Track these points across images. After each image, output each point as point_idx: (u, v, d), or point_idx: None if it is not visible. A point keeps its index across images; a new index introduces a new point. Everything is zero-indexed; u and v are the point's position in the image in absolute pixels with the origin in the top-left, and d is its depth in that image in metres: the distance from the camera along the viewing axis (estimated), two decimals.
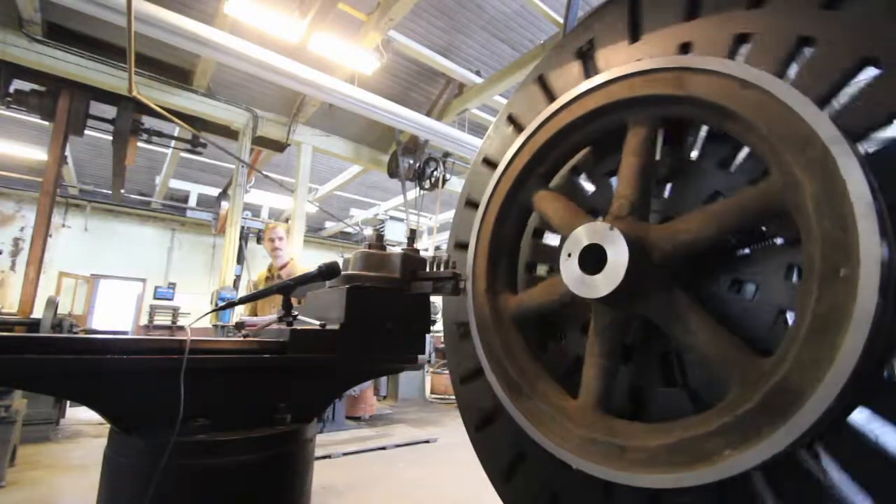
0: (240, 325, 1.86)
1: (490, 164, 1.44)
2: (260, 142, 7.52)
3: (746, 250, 0.97)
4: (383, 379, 8.96)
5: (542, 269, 1.36)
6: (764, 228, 0.94)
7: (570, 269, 1.00)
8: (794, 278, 0.88)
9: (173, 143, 7.72)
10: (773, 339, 0.86)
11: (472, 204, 1.45)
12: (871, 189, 0.70)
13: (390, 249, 1.61)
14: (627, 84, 1.03)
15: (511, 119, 1.42)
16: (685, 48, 1.02)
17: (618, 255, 0.91)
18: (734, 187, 0.97)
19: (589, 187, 1.27)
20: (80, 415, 6.43)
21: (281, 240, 3.80)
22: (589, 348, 1.02)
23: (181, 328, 11.25)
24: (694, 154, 1.08)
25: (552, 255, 1.31)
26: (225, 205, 9.38)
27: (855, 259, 0.70)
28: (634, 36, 1.14)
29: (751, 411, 0.76)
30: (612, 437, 0.91)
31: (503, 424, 1.20)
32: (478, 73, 7.18)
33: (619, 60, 1.13)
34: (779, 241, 0.92)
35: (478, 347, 1.24)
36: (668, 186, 1.11)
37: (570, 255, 1.01)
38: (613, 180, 1.17)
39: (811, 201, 0.76)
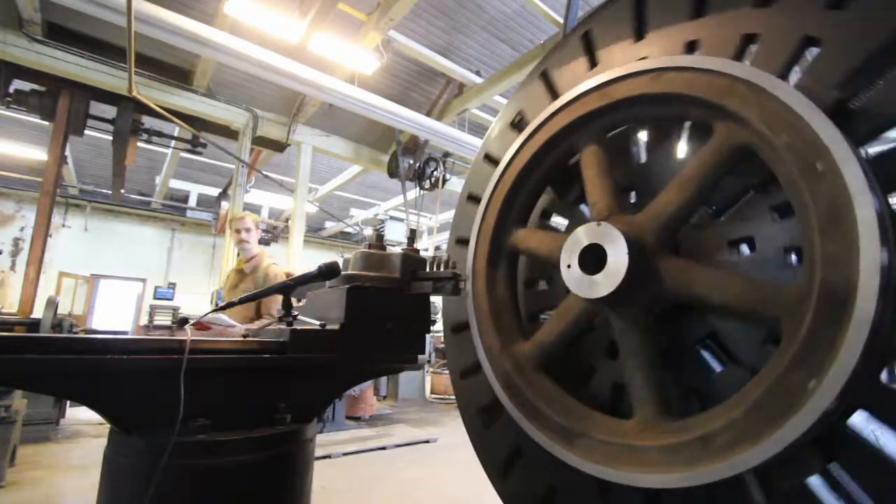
0: (182, 322, 1.73)
1: (463, 242, 1.48)
2: (260, 142, 7.51)
3: (724, 218, 1.02)
4: (383, 379, 8.97)
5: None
6: (734, 195, 1.00)
7: (573, 276, 1.02)
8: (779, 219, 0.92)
9: (173, 143, 7.72)
10: (791, 277, 0.87)
11: (454, 278, 1.46)
12: (811, 98, 0.76)
13: (390, 249, 1.61)
14: (565, 113, 1.18)
15: (471, 197, 1.53)
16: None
17: (616, 249, 0.94)
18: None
19: (562, 226, 1.37)
20: (80, 415, 6.44)
21: (248, 231, 3.66)
22: (623, 362, 0.98)
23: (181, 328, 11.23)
24: (643, 156, 1.19)
25: (549, 298, 1.33)
26: (225, 205, 9.38)
27: (824, 151, 0.73)
28: (554, 96, 1.34)
29: (813, 327, 0.71)
30: (685, 434, 0.83)
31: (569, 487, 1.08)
32: (478, 73, 7.18)
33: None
34: (750, 193, 0.98)
35: (511, 410, 1.13)
36: (633, 194, 1.20)
37: (569, 265, 1.03)
38: (582, 207, 1.29)
39: (762, 125, 0.82)
